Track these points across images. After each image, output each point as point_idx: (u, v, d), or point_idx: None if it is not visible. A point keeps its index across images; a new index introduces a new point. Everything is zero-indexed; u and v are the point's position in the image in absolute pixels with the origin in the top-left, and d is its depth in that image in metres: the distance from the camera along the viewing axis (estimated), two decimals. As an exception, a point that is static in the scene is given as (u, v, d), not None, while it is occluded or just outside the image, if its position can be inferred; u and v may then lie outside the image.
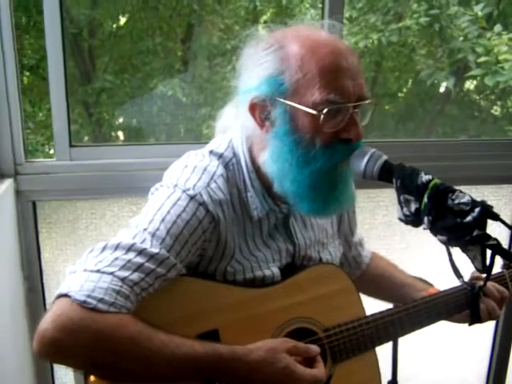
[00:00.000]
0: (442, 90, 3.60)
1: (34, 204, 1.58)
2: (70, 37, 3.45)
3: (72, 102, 3.72)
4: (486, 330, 2.11)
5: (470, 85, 4.47)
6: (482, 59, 3.22)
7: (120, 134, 3.81)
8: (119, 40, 3.56)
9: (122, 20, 3.69)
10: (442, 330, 1.88)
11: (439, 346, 2.04)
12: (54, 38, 1.52)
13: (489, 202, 1.99)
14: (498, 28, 3.25)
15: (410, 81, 4.31)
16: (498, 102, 4.46)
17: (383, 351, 1.24)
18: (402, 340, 1.25)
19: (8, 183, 1.50)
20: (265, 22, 3.53)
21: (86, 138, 3.88)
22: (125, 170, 1.62)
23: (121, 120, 3.44)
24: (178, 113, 3.39)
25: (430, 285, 1.41)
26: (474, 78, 3.76)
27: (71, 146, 1.59)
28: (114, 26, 3.60)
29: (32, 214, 1.58)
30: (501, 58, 3.16)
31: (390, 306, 1.26)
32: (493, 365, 2.15)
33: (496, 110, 4.68)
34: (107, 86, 3.32)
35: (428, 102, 4.42)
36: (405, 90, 4.55)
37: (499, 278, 1.35)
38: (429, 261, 1.74)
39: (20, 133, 1.55)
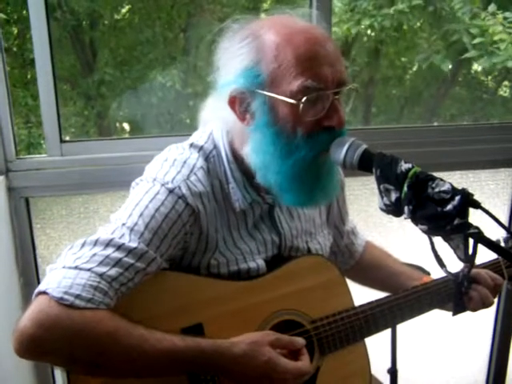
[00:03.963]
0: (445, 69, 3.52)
1: (26, 200, 1.58)
2: (69, 29, 3.45)
3: (74, 95, 3.73)
4: (485, 328, 2.08)
5: (477, 67, 4.38)
6: (477, 40, 3.14)
7: (125, 125, 3.81)
8: (119, 32, 3.55)
9: (123, 11, 3.68)
10: (441, 328, 1.88)
11: (438, 345, 2.02)
12: (41, 34, 1.50)
13: (486, 187, 1.97)
14: (492, 8, 3.15)
15: (416, 64, 4.24)
16: (507, 83, 4.38)
17: (380, 340, 1.22)
18: (399, 340, 1.23)
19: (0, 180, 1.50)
20: (265, 11, 3.48)
21: (92, 131, 3.88)
22: (117, 163, 1.60)
23: (121, 112, 3.44)
24: (178, 103, 3.38)
25: (427, 272, 1.39)
26: (469, 60, 3.67)
27: (62, 141, 1.58)
28: (115, 17, 3.58)
29: (25, 210, 1.57)
30: (496, 38, 3.07)
31: (382, 295, 1.24)
32: (492, 363, 2.11)
33: (505, 92, 4.58)
34: (107, 78, 3.31)
35: (434, 84, 4.34)
36: (410, 72, 4.48)
37: (494, 265, 1.33)
38: (426, 247, 1.72)
39: (10, 130, 1.54)
